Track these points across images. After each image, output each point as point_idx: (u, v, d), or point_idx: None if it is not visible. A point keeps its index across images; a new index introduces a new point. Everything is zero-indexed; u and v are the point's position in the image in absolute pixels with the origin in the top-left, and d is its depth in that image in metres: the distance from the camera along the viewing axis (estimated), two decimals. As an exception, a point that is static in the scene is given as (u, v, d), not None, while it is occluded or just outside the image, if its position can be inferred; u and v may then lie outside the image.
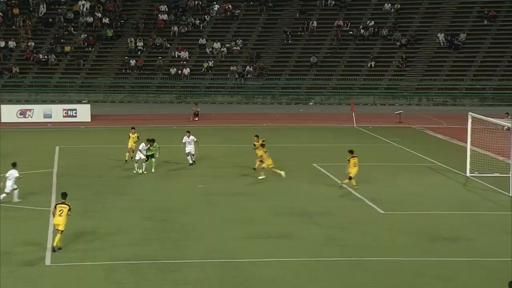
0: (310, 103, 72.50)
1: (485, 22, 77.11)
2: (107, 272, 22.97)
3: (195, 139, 39.06)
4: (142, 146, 37.77)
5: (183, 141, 39.03)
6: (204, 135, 52.04)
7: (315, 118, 60.73)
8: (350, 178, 33.97)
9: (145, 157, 37.31)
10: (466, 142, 38.39)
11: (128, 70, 76.28)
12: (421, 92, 72.86)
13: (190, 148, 38.94)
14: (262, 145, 36.57)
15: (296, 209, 30.98)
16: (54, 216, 25.27)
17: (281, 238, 26.77)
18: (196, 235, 27.19)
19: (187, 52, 77.72)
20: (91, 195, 32.87)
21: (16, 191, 31.28)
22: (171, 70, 75.88)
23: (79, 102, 67.76)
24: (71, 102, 67.16)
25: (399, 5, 79.33)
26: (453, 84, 72.70)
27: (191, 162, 38.97)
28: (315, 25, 79.19)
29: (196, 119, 59.67)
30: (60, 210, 25.10)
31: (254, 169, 36.50)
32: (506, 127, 39.05)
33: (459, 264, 23.91)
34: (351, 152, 34.46)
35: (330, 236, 26.99)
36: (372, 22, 78.58)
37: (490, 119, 38.08)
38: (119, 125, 55.09)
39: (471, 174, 37.14)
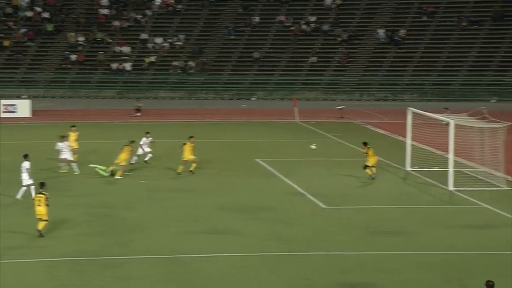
0: (253, 99, 72.67)
1: (424, 18, 78.17)
2: (49, 269, 22.81)
3: (152, 140, 38.87)
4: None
5: (142, 142, 38.61)
6: (146, 130, 51.84)
7: (258, 114, 60.91)
8: (367, 166, 35.22)
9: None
10: (406, 137, 38.94)
11: (68, 65, 75.53)
12: (362, 88, 73.60)
13: (147, 149, 38.58)
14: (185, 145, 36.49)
15: (240, 204, 31.11)
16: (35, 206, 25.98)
17: (226, 234, 26.87)
18: (140, 231, 27.13)
19: (128, 47, 77.24)
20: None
21: (32, 187, 30.27)
22: (112, 65, 75.35)
23: (19, 97, 66.89)
24: (10, 97, 66.25)
25: (340, 1, 79.94)
26: (393, 80, 73.57)
27: (146, 159, 38.66)
28: (258, 20, 79.37)
29: (139, 114, 59.39)
30: (38, 200, 25.82)
31: (191, 171, 36.36)
32: (445, 122, 39.68)
33: (401, 257, 24.29)
34: (365, 144, 35.81)
35: (274, 231, 27.18)
36: (314, 18, 79.07)
37: (430, 114, 38.67)
38: (60, 120, 54.55)
39: (411, 169, 37.69)
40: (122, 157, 35.69)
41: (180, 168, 36.11)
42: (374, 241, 26.07)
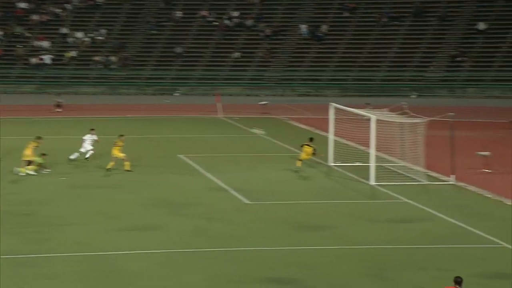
0: (176, 94, 72.37)
1: (346, 14, 78.98)
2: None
3: (96, 138, 38.11)
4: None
5: (85, 138, 37.84)
6: (67, 126, 51.21)
7: (181, 109, 60.71)
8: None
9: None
10: (329, 132, 39.30)
11: (-14, 60, 74.07)
12: (285, 83, 74.01)
13: (90, 147, 37.85)
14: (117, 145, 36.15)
15: (162, 200, 30.94)
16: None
17: (148, 230, 26.68)
18: (60, 228, 26.72)
19: (48, 42, 76.08)
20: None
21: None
22: (31, 60, 74.10)
23: None
24: None
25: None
26: (315, 75, 74.17)
27: (87, 156, 37.94)
28: (180, 15, 79.04)
29: (59, 110, 58.58)
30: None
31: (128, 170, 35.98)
32: (366, 117, 40.16)
33: (324, 252, 24.50)
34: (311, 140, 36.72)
35: (197, 227, 27.11)
36: (237, 13, 79.14)
37: (351, 109, 39.10)
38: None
39: (333, 164, 38.06)
40: (26, 153, 35.05)
41: (111, 165, 35.67)
42: (298, 236, 26.23)
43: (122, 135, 36.73)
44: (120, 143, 36.23)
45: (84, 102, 64.29)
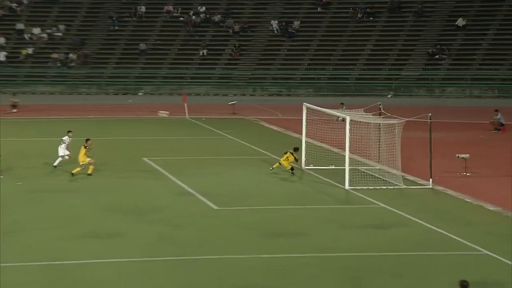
0: (140, 94, 72.20)
1: (319, 9, 79.26)
2: None
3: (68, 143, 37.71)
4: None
5: (64, 139, 37.41)
6: (23, 128, 50.91)
7: (145, 109, 60.58)
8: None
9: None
10: (302, 134, 39.40)
11: None
12: (255, 82, 74.11)
13: (64, 151, 37.29)
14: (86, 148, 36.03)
15: (125, 206, 30.84)
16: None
17: (110, 238, 26.58)
18: (14, 235, 26.53)
19: (3, 38, 75.58)
20: None
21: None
22: (-15, 57, 73.62)
23: None
24: None
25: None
26: (287, 74, 74.36)
27: (56, 164, 37.43)
28: (144, 10, 78.89)
29: (15, 111, 58.26)
30: None
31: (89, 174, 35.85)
32: (341, 118, 40.32)
33: (296, 260, 24.55)
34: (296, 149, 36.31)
35: (162, 233, 27.06)
36: (204, 8, 79.12)
37: (325, 109, 39.23)
38: None
39: (306, 167, 38.16)
40: None
41: (76, 170, 35.46)
42: (268, 243, 26.25)
43: (88, 139, 36.41)
44: (87, 148, 35.94)
45: (41, 102, 63.93)
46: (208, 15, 78.32)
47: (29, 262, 23.72)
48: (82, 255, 24.56)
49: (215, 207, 30.97)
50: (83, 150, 35.85)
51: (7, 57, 74.00)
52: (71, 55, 74.70)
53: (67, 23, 77.57)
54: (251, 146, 45.10)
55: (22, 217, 28.90)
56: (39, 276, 22.69)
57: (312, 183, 35.70)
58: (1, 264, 23.44)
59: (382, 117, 37.00)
